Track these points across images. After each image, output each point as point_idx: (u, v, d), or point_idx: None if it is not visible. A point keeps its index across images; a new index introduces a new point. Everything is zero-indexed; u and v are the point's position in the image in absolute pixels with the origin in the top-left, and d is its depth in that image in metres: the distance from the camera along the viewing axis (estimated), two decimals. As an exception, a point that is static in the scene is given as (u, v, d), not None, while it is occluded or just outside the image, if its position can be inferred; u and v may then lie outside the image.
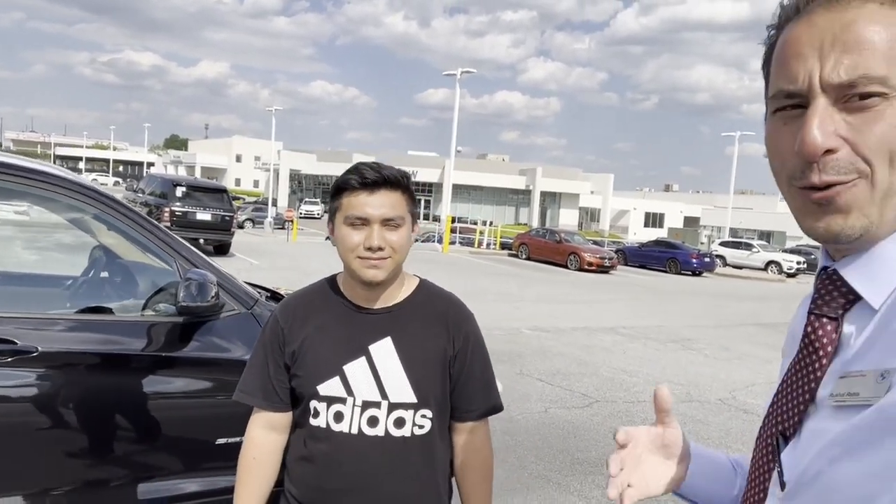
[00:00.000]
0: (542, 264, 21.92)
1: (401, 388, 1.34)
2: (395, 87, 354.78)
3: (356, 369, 1.35)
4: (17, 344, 2.01)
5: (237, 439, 2.42)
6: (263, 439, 1.46)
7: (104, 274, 3.09)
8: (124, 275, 3.03)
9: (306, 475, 1.40)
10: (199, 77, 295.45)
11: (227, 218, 15.07)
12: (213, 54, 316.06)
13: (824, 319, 0.62)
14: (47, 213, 2.90)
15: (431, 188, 58.50)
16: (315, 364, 1.37)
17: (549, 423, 5.01)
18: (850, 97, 0.56)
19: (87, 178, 2.71)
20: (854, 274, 0.60)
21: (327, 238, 1.38)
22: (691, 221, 58.93)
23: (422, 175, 57.67)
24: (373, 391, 1.34)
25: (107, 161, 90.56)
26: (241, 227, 26.62)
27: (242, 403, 2.42)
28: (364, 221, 1.31)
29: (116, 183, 71.13)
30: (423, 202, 59.44)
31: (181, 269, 2.39)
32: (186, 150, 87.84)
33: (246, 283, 3.08)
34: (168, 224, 13.99)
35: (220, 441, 2.38)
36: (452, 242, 25.89)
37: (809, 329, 0.63)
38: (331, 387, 1.35)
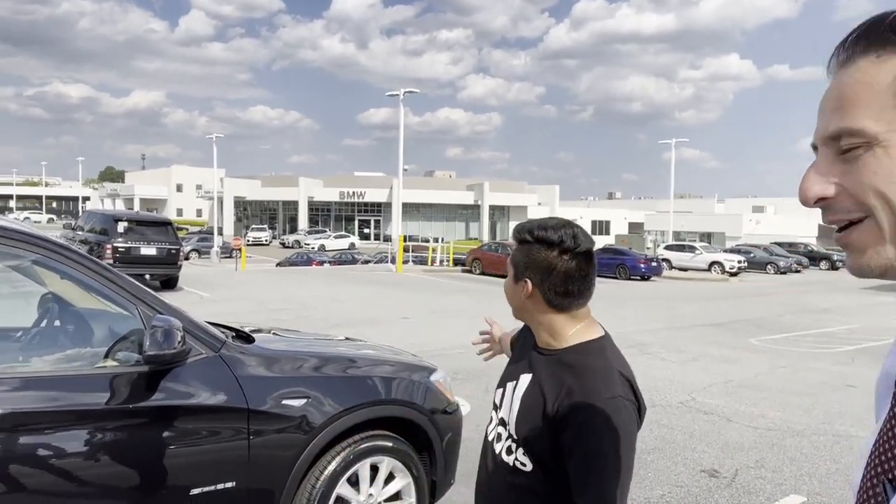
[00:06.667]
0: (497, 278, 22.09)
1: (512, 420, 1.43)
2: (336, 108, 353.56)
3: (510, 389, 1.47)
4: (-31, 409, 1.90)
5: (213, 488, 2.36)
6: None
7: (57, 323, 2.96)
8: (79, 323, 2.91)
9: None
10: (133, 107, 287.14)
11: (173, 251, 14.65)
12: (147, 83, 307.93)
13: None
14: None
15: (380, 208, 58.32)
16: (504, 370, 1.57)
17: (520, 440, 5.03)
18: (843, 150, 0.63)
19: (27, 224, 2.59)
20: None
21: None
22: (636, 227, 60.55)
23: (370, 195, 57.45)
24: (507, 413, 1.45)
25: (39, 198, 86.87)
26: (186, 258, 25.90)
27: (218, 447, 2.36)
28: None
29: (51, 220, 68.24)
30: (372, 222, 59.17)
31: (143, 316, 2.32)
32: (123, 182, 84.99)
33: (210, 323, 3.01)
34: (111, 261, 13.49)
35: (195, 492, 2.30)
36: (406, 261, 25.83)
37: None
38: (498, 395, 1.52)
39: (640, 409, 1.33)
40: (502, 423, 1.46)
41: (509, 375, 1.51)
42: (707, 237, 46.87)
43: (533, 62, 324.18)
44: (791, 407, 6.39)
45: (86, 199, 78.44)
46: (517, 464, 1.39)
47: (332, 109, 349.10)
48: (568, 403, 1.30)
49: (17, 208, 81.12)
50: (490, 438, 1.50)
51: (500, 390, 1.52)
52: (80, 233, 15.57)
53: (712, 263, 29.98)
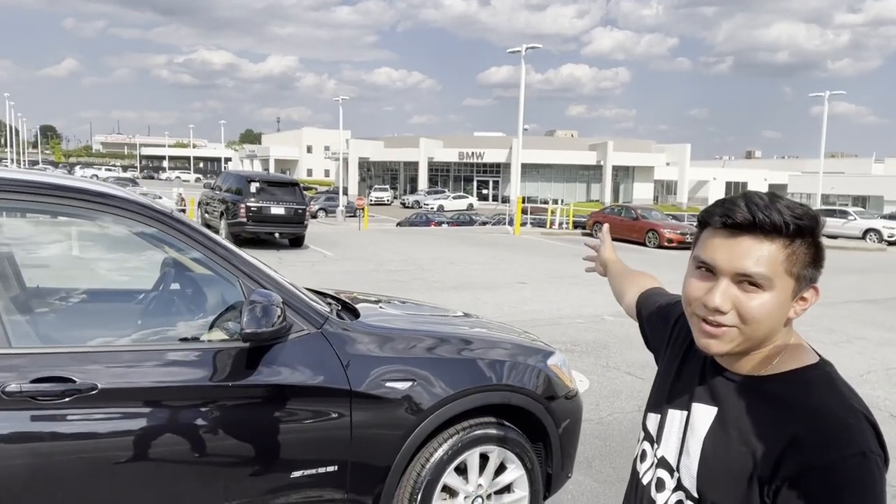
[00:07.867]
0: (619, 243, 21.11)
1: (689, 470, 1.05)
2: (457, 68, 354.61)
3: (676, 423, 1.11)
4: (75, 382, 1.88)
5: (314, 471, 2.25)
6: None
7: (175, 286, 2.98)
8: (194, 288, 2.91)
9: None
10: (269, 72, 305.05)
11: (299, 211, 15.24)
12: (281, 49, 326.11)
13: None
14: (119, 229, 2.81)
15: (499, 169, 57.82)
16: (656, 385, 1.21)
17: (644, 424, 4.64)
18: None
19: (139, 195, 2.57)
20: None
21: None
22: (777, 189, 55.62)
23: (489, 156, 57.07)
24: (672, 453, 1.10)
25: (188, 158, 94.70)
26: (314, 216, 27.11)
27: (319, 429, 2.24)
28: (711, 269, 1.00)
29: (198, 179, 74.16)
30: (491, 183, 58.90)
31: (244, 289, 2.21)
32: (260, 143, 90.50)
33: (317, 292, 2.90)
34: (244, 220, 14.30)
35: (296, 475, 2.20)
36: (523, 224, 25.40)
37: None
38: (651, 421, 1.18)
39: (885, 463, 0.94)
40: (665, 466, 1.10)
41: (673, 399, 1.12)
42: (862, 201, 42.17)
43: (666, 11, 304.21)
44: (974, 405, 5.45)
45: (227, 159, 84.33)
46: None
47: (453, 70, 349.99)
48: (795, 460, 0.91)
49: (170, 168, 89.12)
50: (645, 481, 1.14)
51: (657, 417, 1.15)
52: (217, 192, 16.62)
53: (868, 231, 26.91)
